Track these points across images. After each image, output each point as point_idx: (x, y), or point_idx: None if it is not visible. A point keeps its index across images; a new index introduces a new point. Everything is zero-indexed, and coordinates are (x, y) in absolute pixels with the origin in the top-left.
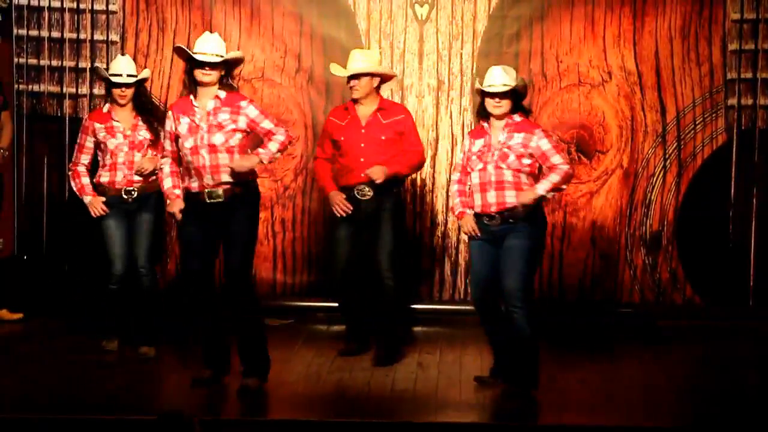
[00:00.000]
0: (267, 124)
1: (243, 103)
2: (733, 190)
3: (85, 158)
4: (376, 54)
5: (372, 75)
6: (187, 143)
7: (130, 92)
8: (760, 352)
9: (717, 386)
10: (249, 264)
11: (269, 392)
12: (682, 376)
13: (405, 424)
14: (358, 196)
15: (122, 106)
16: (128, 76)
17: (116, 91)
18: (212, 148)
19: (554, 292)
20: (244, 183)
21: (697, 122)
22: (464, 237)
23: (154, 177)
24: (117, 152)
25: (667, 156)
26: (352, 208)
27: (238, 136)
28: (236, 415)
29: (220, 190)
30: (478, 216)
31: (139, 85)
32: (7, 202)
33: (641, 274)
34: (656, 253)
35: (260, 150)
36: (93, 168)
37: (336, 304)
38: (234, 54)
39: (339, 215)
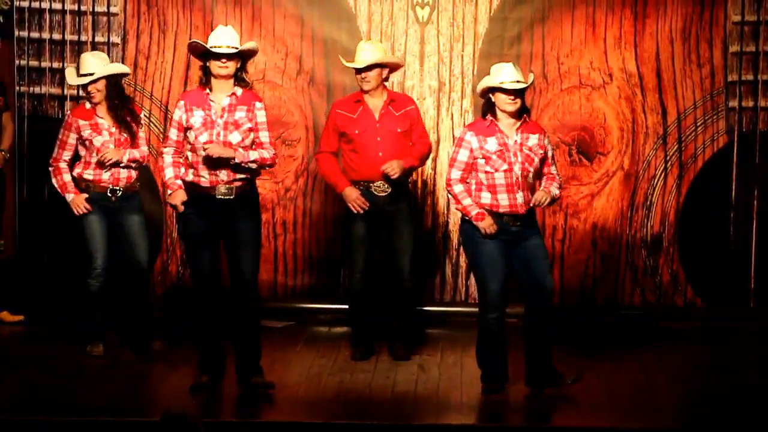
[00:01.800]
0: (264, 137)
1: (258, 104)
2: (733, 192)
3: (67, 155)
4: (383, 45)
5: (382, 66)
6: (202, 138)
7: (99, 86)
8: (761, 353)
9: (718, 388)
10: (259, 268)
11: (270, 394)
12: (683, 377)
13: (406, 426)
14: (376, 193)
15: (95, 104)
16: (88, 75)
17: (88, 89)
18: (227, 146)
19: (555, 294)
20: (249, 181)
21: (698, 124)
22: None
23: (133, 176)
24: (103, 150)
25: (668, 158)
26: (368, 205)
27: (252, 136)
28: (237, 417)
29: (230, 188)
30: (496, 215)
31: (112, 83)
32: (8, 204)
33: (642, 276)
34: (657, 254)
35: (241, 150)
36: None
37: (337, 306)
38: (249, 45)
39: (356, 212)
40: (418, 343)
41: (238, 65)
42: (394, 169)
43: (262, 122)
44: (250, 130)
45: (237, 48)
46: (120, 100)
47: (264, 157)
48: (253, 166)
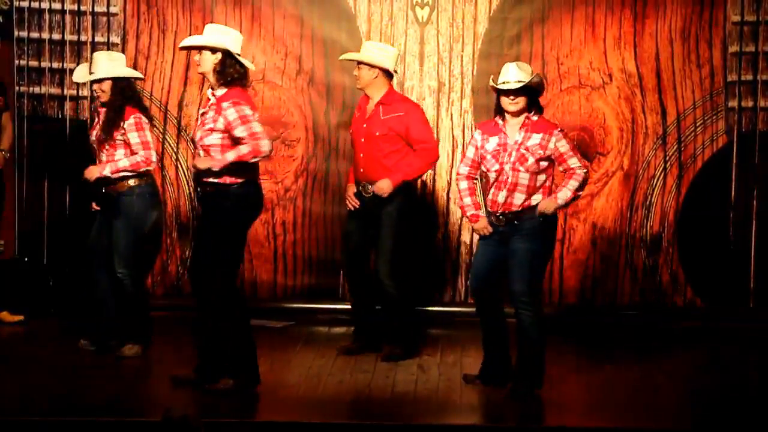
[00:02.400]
0: (239, 132)
1: (225, 104)
2: (733, 192)
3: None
4: (389, 49)
5: (369, 65)
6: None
7: (104, 87)
8: (761, 353)
9: (718, 388)
10: (210, 263)
11: (269, 394)
12: (683, 377)
13: (405, 426)
14: (363, 193)
15: (104, 105)
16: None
17: (93, 88)
18: (194, 144)
19: (555, 294)
20: (217, 184)
21: (697, 124)
22: (464, 239)
23: (126, 178)
24: (93, 147)
25: (667, 158)
26: (358, 204)
27: (216, 136)
28: (236, 417)
29: (199, 186)
30: (487, 213)
31: (120, 87)
32: (8, 204)
33: (642, 276)
34: (657, 254)
35: (219, 156)
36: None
37: (336, 306)
38: (208, 41)
39: (348, 209)
40: (418, 343)
41: (216, 63)
42: (381, 189)
43: (233, 119)
44: (212, 130)
45: (192, 44)
46: (121, 103)
47: (242, 153)
48: (232, 165)
